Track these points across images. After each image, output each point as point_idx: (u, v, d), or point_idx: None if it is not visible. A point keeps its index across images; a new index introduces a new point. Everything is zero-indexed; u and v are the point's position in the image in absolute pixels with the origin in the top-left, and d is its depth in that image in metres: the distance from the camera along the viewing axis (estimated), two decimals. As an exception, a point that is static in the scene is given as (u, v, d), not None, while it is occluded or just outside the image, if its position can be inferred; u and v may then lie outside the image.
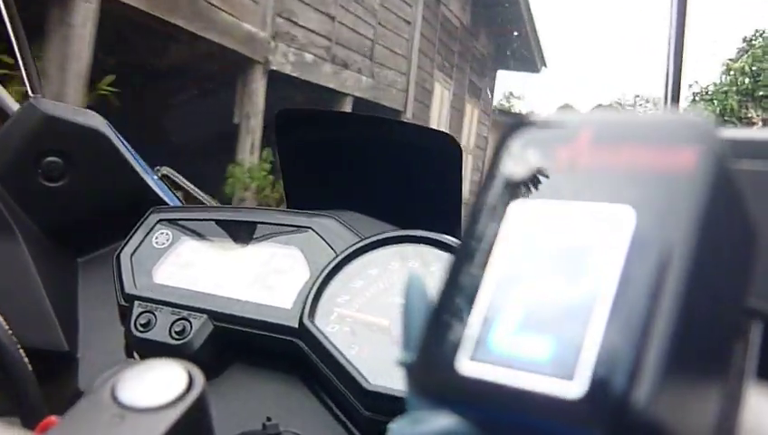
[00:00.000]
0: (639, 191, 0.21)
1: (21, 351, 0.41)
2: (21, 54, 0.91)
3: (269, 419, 0.58)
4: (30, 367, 0.41)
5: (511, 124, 0.25)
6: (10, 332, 0.41)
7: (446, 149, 0.77)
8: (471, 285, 0.22)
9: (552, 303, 0.21)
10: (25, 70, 0.91)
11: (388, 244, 0.67)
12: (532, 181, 0.23)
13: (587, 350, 0.19)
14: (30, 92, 0.90)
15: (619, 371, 0.18)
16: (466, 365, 0.21)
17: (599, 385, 0.18)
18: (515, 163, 0.24)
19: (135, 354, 0.70)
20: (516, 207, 0.23)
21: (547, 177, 0.23)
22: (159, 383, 0.30)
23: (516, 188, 0.23)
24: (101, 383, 0.30)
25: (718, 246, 0.21)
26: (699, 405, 0.21)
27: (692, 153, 0.21)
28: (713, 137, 0.21)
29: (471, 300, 0.22)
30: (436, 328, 0.22)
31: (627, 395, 0.18)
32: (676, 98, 1.04)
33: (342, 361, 0.58)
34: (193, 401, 0.29)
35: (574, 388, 0.19)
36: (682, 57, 1.03)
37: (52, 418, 0.38)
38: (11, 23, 0.91)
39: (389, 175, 0.82)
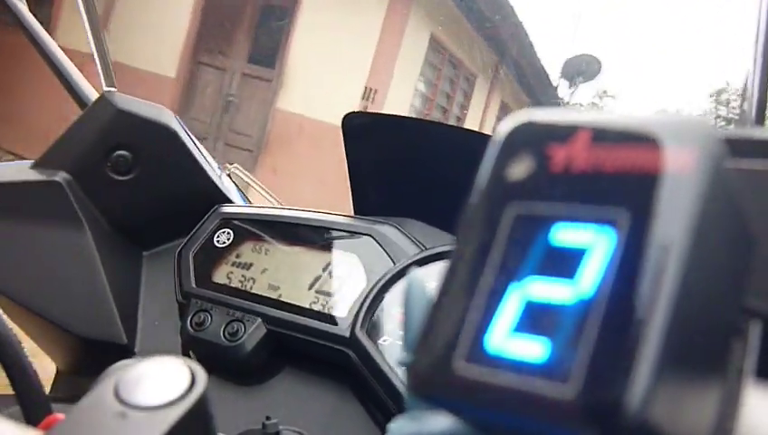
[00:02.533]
0: (637, 192, 0.21)
1: (24, 349, 0.42)
2: (96, 48, 0.93)
3: (268, 417, 0.57)
4: (33, 365, 0.41)
5: (507, 123, 0.25)
6: (11, 328, 0.42)
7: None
8: (467, 286, 0.22)
9: (547, 304, 0.21)
10: (101, 63, 0.92)
11: (447, 257, 0.65)
12: (527, 181, 0.23)
13: (582, 351, 0.19)
14: (104, 86, 0.91)
15: (613, 372, 0.18)
16: (462, 366, 0.21)
17: (593, 386, 0.19)
18: (511, 163, 0.24)
19: (190, 353, 0.71)
20: (512, 208, 0.23)
21: (543, 177, 0.23)
22: (162, 381, 0.30)
23: (512, 188, 0.23)
24: (104, 381, 0.30)
25: (716, 246, 0.22)
26: (697, 406, 0.22)
27: (690, 154, 0.21)
28: (710, 137, 0.21)
29: (467, 301, 0.22)
30: (433, 329, 0.22)
31: (621, 396, 0.18)
32: (761, 119, 0.98)
33: (391, 375, 0.57)
34: (195, 400, 0.29)
35: (569, 389, 0.19)
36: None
37: (56, 415, 0.38)
38: (88, 17, 0.93)
39: (456, 184, 0.80)
